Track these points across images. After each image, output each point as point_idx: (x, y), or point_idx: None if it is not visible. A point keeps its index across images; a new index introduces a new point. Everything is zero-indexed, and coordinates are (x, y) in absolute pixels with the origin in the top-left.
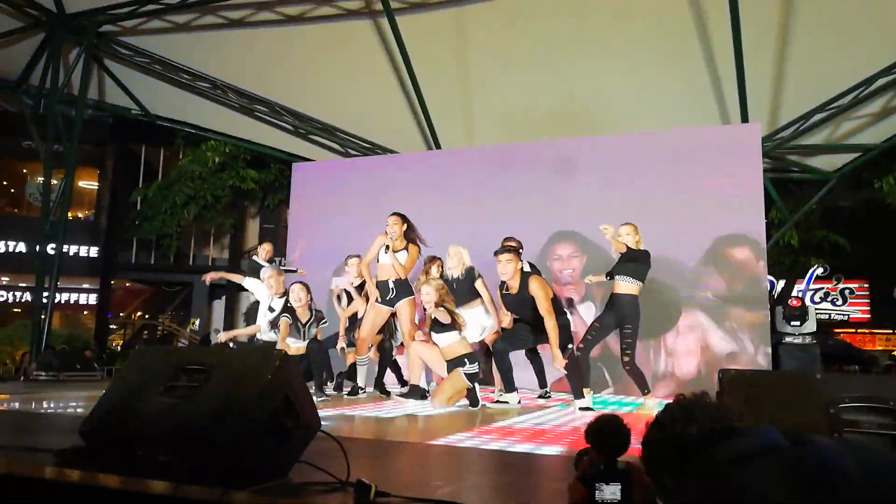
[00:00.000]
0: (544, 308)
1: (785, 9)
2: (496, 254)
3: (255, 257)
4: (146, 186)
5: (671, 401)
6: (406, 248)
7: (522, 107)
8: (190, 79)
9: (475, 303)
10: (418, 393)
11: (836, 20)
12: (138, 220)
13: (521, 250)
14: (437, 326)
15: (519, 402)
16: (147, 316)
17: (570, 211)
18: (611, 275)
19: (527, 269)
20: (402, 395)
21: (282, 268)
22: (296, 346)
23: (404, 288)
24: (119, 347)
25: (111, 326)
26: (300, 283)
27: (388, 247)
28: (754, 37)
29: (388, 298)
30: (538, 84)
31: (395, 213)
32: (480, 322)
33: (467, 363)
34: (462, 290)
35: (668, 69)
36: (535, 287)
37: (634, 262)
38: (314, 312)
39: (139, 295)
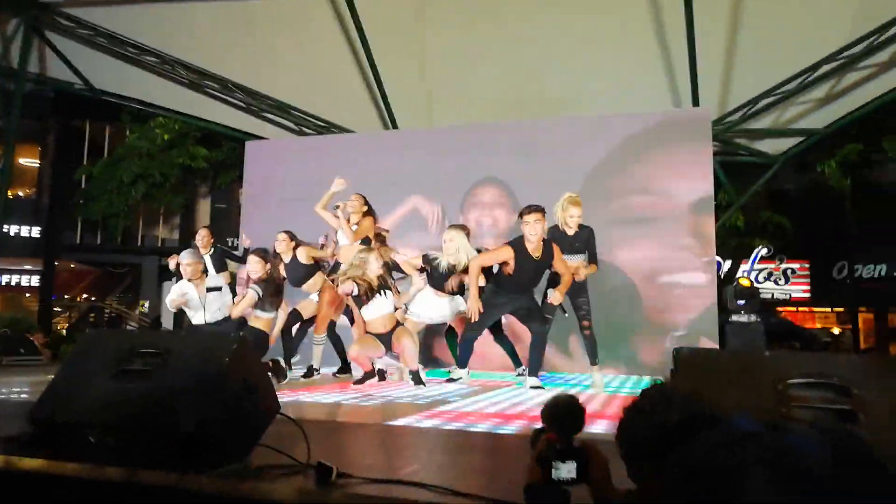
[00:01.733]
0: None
1: None
2: (521, 214)
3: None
4: (91, 164)
5: (648, 387)
6: (358, 223)
7: (478, 88)
8: (136, 52)
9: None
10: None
11: (785, 8)
12: (83, 200)
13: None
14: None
15: (468, 373)
16: (94, 298)
17: (525, 192)
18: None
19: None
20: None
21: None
22: (266, 317)
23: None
24: (64, 331)
25: (56, 309)
26: (256, 253)
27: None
28: (706, 23)
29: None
30: (494, 66)
31: (358, 194)
32: (454, 306)
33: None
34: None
35: (622, 53)
36: (558, 256)
37: (580, 240)
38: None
39: (85, 276)
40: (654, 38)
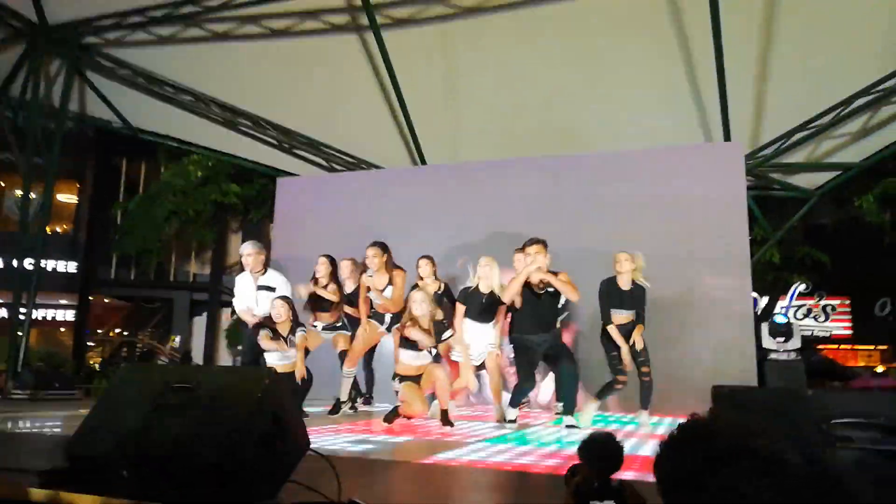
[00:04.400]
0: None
1: (766, 30)
2: (524, 247)
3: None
4: (127, 200)
5: (687, 419)
6: (390, 281)
7: (507, 124)
8: (173, 92)
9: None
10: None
11: (816, 41)
12: (118, 235)
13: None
14: (408, 343)
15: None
16: (126, 332)
17: (554, 228)
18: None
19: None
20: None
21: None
22: (282, 364)
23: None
24: (97, 365)
25: (89, 343)
26: (281, 298)
27: (368, 288)
28: (736, 57)
29: (384, 327)
30: (523, 102)
31: (372, 245)
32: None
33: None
34: (488, 308)
35: (651, 88)
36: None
37: (634, 298)
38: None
39: (118, 311)
40: (683, 72)
